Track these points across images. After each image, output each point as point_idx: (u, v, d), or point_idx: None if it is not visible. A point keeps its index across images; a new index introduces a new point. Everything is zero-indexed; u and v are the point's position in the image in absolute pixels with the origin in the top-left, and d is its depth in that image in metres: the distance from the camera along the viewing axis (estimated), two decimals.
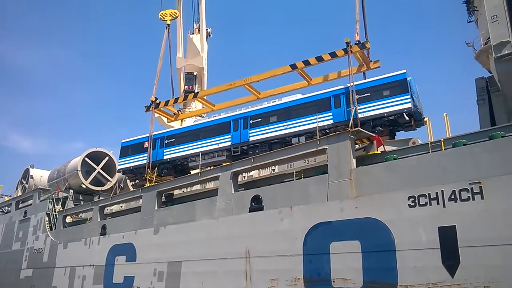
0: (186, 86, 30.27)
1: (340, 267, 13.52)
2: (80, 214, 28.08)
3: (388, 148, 15.32)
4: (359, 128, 14.92)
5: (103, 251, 22.20)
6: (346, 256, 13.45)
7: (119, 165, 25.39)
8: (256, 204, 16.52)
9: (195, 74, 30.69)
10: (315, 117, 17.83)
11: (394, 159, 13.99)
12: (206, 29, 34.55)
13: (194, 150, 21.68)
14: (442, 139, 13.19)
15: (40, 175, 34.50)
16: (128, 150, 24.81)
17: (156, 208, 20.67)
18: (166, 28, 27.49)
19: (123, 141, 25.38)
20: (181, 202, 20.72)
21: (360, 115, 16.53)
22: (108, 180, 30.44)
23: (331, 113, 17.80)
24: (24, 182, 35.38)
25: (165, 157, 22.88)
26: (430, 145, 13.46)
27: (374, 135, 15.35)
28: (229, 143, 20.57)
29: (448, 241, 11.59)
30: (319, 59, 18.72)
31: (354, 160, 14.48)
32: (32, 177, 34.60)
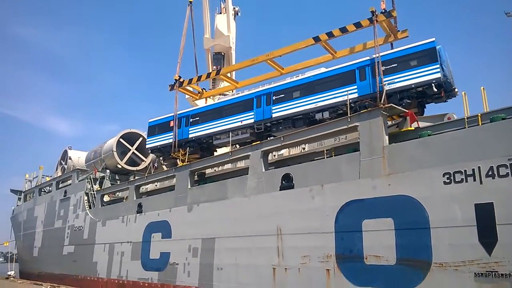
0: (214, 67, 30.29)
1: (372, 245, 13.48)
2: (117, 193, 29.05)
3: (422, 124, 14.93)
4: (391, 104, 14.56)
5: (140, 228, 23.00)
6: (379, 233, 13.37)
7: (147, 144, 25.82)
8: (287, 183, 16.57)
9: (223, 54, 30.64)
10: (339, 91, 17.37)
11: (429, 135, 13.62)
12: (234, 8, 34.22)
13: (218, 128, 21.77)
14: (479, 114, 12.69)
15: (77, 156, 35.72)
16: (155, 129, 25.23)
17: (189, 186, 21.12)
18: (189, 5, 27.41)
19: (150, 120, 25.79)
20: (213, 181, 21.06)
21: (386, 88, 15.88)
22: (143, 160, 31.22)
23: (355, 86, 17.17)
24: (63, 163, 36.75)
25: (190, 136, 23.09)
26: (466, 120, 12.99)
27: (407, 111, 14.96)
28: (252, 120, 20.49)
29: (485, 218, 11.30)
30: (343, 30, 18.10)
31: (386, 137, 14.21)
32: (70, 158, 35.85)
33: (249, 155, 18.52)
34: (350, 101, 16.63)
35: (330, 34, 18.51)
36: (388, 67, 16.35)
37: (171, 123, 23.97)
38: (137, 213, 23.69)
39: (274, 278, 16.02)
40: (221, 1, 33.60)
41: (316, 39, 18.87)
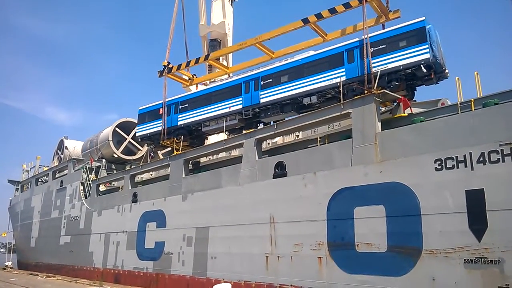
0: (210, 52, 29.92)
1: (364, 232, 13.43)
2: (113, 183, 28.99)
3: (416, 110, 14.75)
4: (384, 90, 14.39)
5: (135, 218, 22.98)
6: (370, 220, 13.31)
7: (137, 132, 25.50)
8: (280, 171, 16.48)
9: (219, 40, 30.24)
10: (326, 74, 17.03)
11: (421, 121, 13.48)
12: None
13: (207, 114, 21.48)
14: (472, 99, 12.54)
15: (74, 146, 35.61)
16: (145, 117, 24.95)
17: (183, 175, 21.03)
18: None
19: (140, 108, 25.55)
20: (207, 170, 20.98)
21: (374, 70, 15.45)
22: (139, 149, 31.13)
23: (343, 69, 16.75)
24: (60, 153, 36.68)
25: (179, 123, 22.81)
26: (459, 105, 12.83)
27: (400, 97, 14.77)
28: (240, 106, 20.14)
29: (475, 204, 11.22)
30: (332, 11, 17.55)
31: (379, 124, 14.07)
32: (66, 148, 35.77)
33: (243, 143, 18.39)
34: (338, 84, 16.44)
35: (319, 16, 18.01)
36: (377, 48, 15.93)
37: (161, 111, 23.72)
38: (132, 203, 23.64)
39: (267, 267, 16.02)
40: None
41: (305, 21, 18.40)
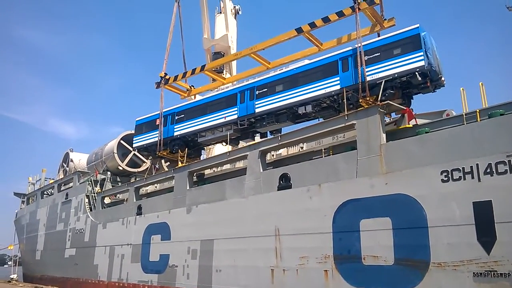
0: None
1: (370, 245, 13.25)
2: (118, 195, 28.98)
3: (421, 121, 14.66)
4: (388, 101, 14.31)
5: (140, 231, 22.87)
6: (377, 233, 13.14)
7: (134, 143, 25.53)
8: (285, 182, 16.38)
9: (222, 53, 30.40)
10: (321, 83, 16.95)
11: (426, 132, 13.38)
12: (234, 7, 34.00)
13: (203, 125, 21.45)
14: (477, 110, 12.43)
15: (79, 159, 35.71)
16: (142, 127, 24.99)
17: (188, 188, 20.96)
18: (176, 1, 27.08)
19: (137, 119, 25.57)
20: (212, 182, 20.90)
21: (368, 78, 15.40)
22: (144, 162, 31.12)
23: (338, 78, 16.64)
24: (65, 166, 36.78)
25: (175, 133, 22.77)
26: (464, 116, 12.72)
27: (405, 108, 14.70)
28: (235, 116, 20.04)
29: (483, 216, 11.05)
30: (326, 20, 17.57)
31: (384, 135, 13.97)
32: (72, 161, 35.87)
33: (247, 155, 18.34)
34: (333, 93, 16.27)
35: (312, 25, 17.99)
36: (371, 56, 15.85)
37: (157, 121, 23.68)
38: (137, 215, 23.58)
39: (273, 280, 15.83)
40: (220, 0, 33.39)
41: (299, 30, 18.41)
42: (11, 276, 36.07)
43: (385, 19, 17.31)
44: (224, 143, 21.87)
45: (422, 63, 14.68)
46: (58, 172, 38.25)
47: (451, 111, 14.11)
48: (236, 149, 19.97)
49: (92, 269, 26.09)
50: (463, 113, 12.91)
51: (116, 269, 24.23)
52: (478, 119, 12.24)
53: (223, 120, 20.59)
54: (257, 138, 22.04)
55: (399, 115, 15.15)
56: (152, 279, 21.39)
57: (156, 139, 23.44)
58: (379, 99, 14.69)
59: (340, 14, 17.05)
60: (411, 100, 16.29)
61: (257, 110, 19.27)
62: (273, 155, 19.45)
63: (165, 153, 23.04)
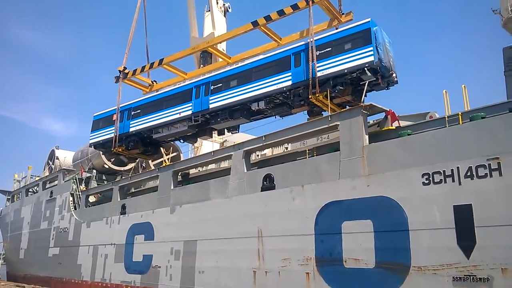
0: (202, 65, 29.76)
1: (352, 247, 13.13)
2: (103, 194, 28.61)
3: (404, 123, 14.56)
4: (371, 103, 14.18)
5: (123, 230, 22.56)
6: (358, 236, 13.02)
7: (90, 139, 25.02)
8: (268, 183, 16.20)
9: (210, 52, 30.08)
10: (274, 78, 16.77)
11: (408, 134, 13.28)
12: (224, 4, 33.70)
13: (158, 121, 21.09)
14: (459, 113, 12.35)
15: (64, 156, 35.24)
16: (99, 123, 24.54)
17: (172, 187, 20.71)
18: None
19: (95, 114, 25.15)
20: (197, 181, 20.68)
21: (319, 74, 15.26)
22: (130, 160, 30.74)
23: (290, 73, 16.42)
24: (51, 163, 36.26)
25: (131, 129, 22.38)
26: (447, 119, 12.64)
27: (388, 109, 14.58)
28: (190, 112, 19.76)
29: (463, 220, 10.96)
30: (281, 13, 17.42)
31: (366, 137, 13.84)
32: (57, 158, 35.36)
33: (231, 155, 18.14)
34: (284, 89, 16.05)
35: (268, 18, 17.79)
36: (323, 51, 15.65)
37: (114, 117, 23.28)
38: (121, 215, 23.28)
39: (255, 282, 15.67)
40: None
41: (255, 23, 18.22)
42: None
43: (343, 13, 17.10)
44: (181, 140, 21.67)
45: (371, 58, 14.52)
46: (44, 169, 37.73)
47: (435, 113, 14.01)
48: (220, 149, 19.83)
49: (76, 269, 25.72)
50: (446, 116, 12.82)
51: (99, 269, 23.90)
52: (460, 122, 12.16)
53: (178, 116, 20.21)
54: (215, 135, 21.89)
55: (383, 117, 15.04)
56: (135, 280, 21.11)
57: (112, 135, 22.97)
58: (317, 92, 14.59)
59: (295, 7, 16.91)
60: (364, 97, 16.00)
61: (211, 106, 18.94)
62: (258, 155, 19.28)
63: (120, 150, 22.67)
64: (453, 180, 11.31)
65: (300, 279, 14.22)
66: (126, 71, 23.76)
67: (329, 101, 15.10)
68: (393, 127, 14.36)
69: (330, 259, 13.59)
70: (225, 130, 20.62)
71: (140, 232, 21.52)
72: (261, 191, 16.34)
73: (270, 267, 15.24)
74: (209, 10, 32.59)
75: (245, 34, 19.32)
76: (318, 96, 15.14)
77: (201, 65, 29.79)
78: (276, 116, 18.81)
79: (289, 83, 16.36)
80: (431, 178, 11.73)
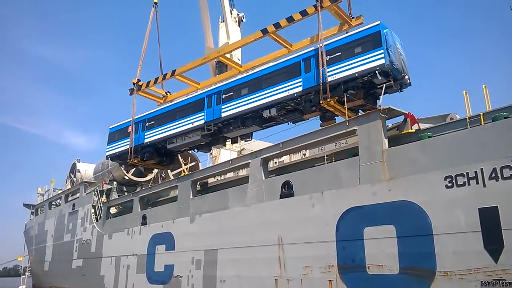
0: (218, 75, 29.91)
1: (374, 253, 12.91)
2: (124, 205, 28.89)
3: (424, 125, 14.33)
4: (390, 106, 14.00)
5: (144, 241, 22.72)
6: (381, 241, 12.81)
7: (106, 151, 25.27)
8: (287, 190, 16.11)
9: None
10: (285, 85, 16.71)
11: (429, 137, 13.04)
12: (238, 14, 33.88)
13: (171, 131, 21.20)
14: (481, 113, 12.07)
15: (85, 169, 35.77)
16: (115, 135, 24.79)
17: (191, 197, 20.79)
18: (153, 6, 26.91)
19: (110, 126, 25.40)
20: (215, 190, 20.71)
21: (330, 78, 15.09)
22: (150, 171, 31.00)
23: (301, 79, 16.31)
24: (72, 176, 36.85)
25: (146, 140, 22.54)
26: (468, 120, 12.37)
27: (407, 112, 14.39)
28: (202, 121, 19.80)
29: (490, 223, 10.68)
30: (290, 20, 17.33)
31: (386, 141, 13.67)
32: (79, 171, 35.91)
33: (249, 163, 18.12)
34: (295, 95, 15.97)
35: (277, 25, 17.74)
36: (333, 56, 15.53)
37: (129, 129, 23.49)
38: (142, 225, 23.45)
39: None
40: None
41: (264, 31, 18.18)
42: (19, 287, 36.19)
43: (353, 17, 16.93)
44: (195, 150, 21.82)
45: (382, 61, 14.33)
46: (66, 182, 38.36)
47: (455, 115, 13.76)
48: (238, 157, 19.83)
49: (99, 280, 25.96)
50: (467, 117, 12.55)
51: (122, 279, 24.07)
52: (482, 123, 11.88)
53: (190, 125, 20.34)
54: (228, 144, 21.87)
55: (401, 120, 14.82)
56: None
57: (128, 147, 23.19)
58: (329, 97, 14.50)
59: (304, 13, 16.83)
60: (377, 101, 15.80)
61: (223, 115, 19.00)
62: (275, 162, 19.22)
63: (136, 161, 22.84)
64: (477, 182, 11.04)
65: (322, 286, 14.02)
66: (140, 83, 24.11)
67: (346, 106, 14.97)
68: (413, 130, 14.14)
69: (352, 265, 13.38)
70: (238, 138, 20.64)
71: (161, 242, 21.63)
72: (280, 198, 16.27)
73: (292, 275, 15.09)
74: (223, 21, 32.86)
75: (258, 42, 19.38)
76: (330, 101, 15.05)
77: (217, 75, 30.00)
78: (289, 123, 18.80)
79: (300, 89, 16.33)
80: (454, 181, 11.48)
